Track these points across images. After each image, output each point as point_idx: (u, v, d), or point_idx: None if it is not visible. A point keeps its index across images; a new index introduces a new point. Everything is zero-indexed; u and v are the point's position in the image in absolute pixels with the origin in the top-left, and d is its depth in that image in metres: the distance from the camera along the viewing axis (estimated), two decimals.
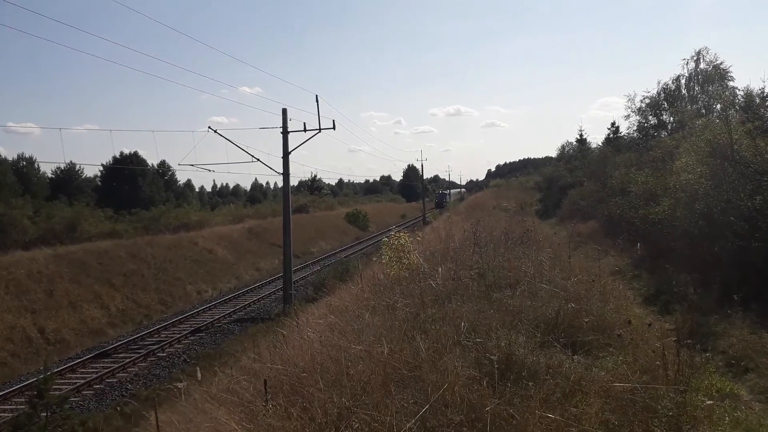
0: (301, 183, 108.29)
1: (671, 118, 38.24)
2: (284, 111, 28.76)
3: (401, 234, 18.29)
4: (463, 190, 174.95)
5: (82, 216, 43.83)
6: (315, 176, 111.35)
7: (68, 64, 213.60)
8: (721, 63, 37.97)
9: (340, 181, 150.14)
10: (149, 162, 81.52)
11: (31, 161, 67.43)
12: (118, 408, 17.36)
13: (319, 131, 28.73)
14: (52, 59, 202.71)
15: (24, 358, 22.81)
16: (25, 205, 45.95)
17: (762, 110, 24.27)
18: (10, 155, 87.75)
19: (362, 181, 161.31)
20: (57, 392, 14.52)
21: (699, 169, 18.25)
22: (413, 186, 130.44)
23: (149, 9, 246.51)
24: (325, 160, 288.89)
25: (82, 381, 19.57)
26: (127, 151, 75.72)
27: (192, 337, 25.14)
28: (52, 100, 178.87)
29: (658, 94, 39.97)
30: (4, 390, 19.10)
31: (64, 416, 13.43)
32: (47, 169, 74.11)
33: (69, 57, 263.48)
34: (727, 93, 31.46)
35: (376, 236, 61.18)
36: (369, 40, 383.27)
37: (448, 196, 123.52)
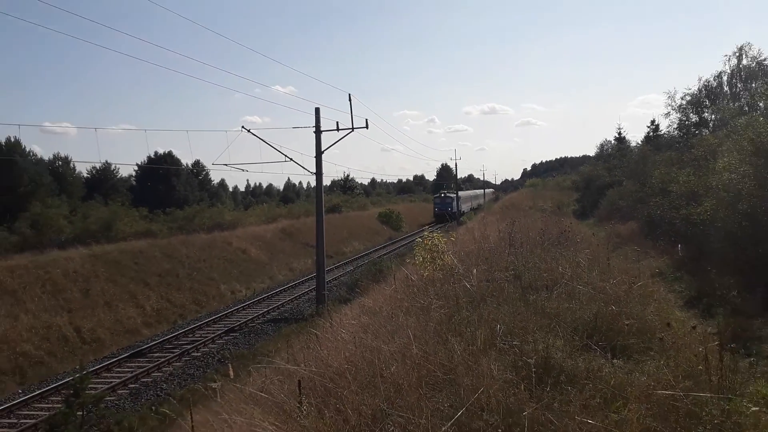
0: (333, 183, 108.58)
1: (713, 116, 37.61)
2: (317, 110, 28.88)
3: (435, 234, 18.24)
4: (490, 190, 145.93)
5: (118, 216, 44.43)
6: (348, 176, 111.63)
7: (103, 64, 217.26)
8: (765, 59, 37.25)
9: (373, 180, 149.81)
10: (183, 161, 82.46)
11: (66, 161, 68.30)
12: (153, 408, 17.56)
13: (352, 130, 28.84)
14: (87, 59, 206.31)
15: (60, 357, 23.22)
16: (61, 205, 46.77)
17: None
18: (47, 155, 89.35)
19: (395, 181, 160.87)
20: (93, 391, 14.79)
21: (742, 169, 17.91)
22: (447, 186, 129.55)
23: (182, 8, 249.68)
24: (358, 160, 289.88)
25: (118, 380, 19.86)
26: (161, 151, 76.62)
27: (226, 337, 25.37)
28: (87, 100, 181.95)
29: (700, 91, 39.37)
30: (41, 389, 19.48)
31: (100, 415, 13.66)
32: (83, 168, 75.08)
33: (104, 56, 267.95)
34: None
35: (409, 236, 61.23)
36: (401, 37, 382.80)
37: (457, 203, 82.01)
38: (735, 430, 6.42)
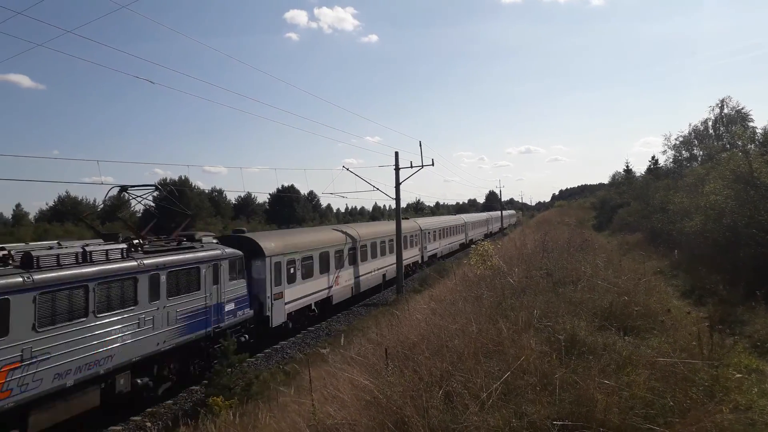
0: (408, 205, 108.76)
1: (701, 152, 36.04)
2: (396, 153, 29.06)
3: (485, 242, 18.06)
4: (512, 211, 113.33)
5: (256, 230, 45.76)
6: (419, 200, 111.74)
7: (249, 125, 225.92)
8: (742, 108, 35.58)
9: (437, 203, 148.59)
10: (302, 191, 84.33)
11: (220, 192, 70.94)
12: (281, 366, 17.92)
13: (422, 167, 28.87)
14: (239, 122, 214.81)
15: None
16: (217, 223, 48.66)
17: None
18: (207, 188, 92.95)
19: (453, 203, 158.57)
20: (238, 355, 15.19)
21: (725, 192, 17.22)
22: (494, 207, 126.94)
23: (300, 82, 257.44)
24: (426, 188, 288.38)
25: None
26: (286, 184, 78.61)
27: (333, 317, 25.55)
28: (235, 148, 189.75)
29: (689, 133, 37.98)
30: None
31: (244, 371, 14.03)
32: (232, 197, 77.68)
33: (250, 121, 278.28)
34: (748, 132, 29.17)
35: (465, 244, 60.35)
36: (457, 98, 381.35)
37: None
38: (722, 392, 6.14)
